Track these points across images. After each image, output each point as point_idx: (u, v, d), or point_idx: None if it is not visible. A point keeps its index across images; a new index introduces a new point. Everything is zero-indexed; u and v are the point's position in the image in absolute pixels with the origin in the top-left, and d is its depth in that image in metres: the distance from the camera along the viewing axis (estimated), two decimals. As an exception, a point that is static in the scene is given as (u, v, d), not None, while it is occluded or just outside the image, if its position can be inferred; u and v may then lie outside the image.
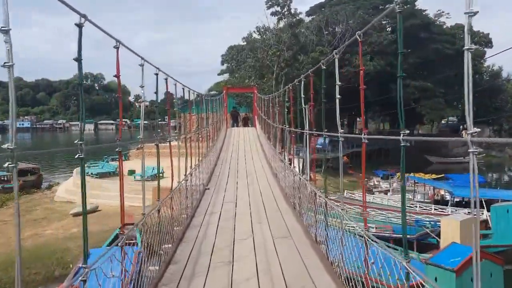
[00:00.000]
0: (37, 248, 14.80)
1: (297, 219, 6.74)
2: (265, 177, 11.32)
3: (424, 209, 17.51)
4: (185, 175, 6.93)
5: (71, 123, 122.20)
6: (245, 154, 16.27)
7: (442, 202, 20.61)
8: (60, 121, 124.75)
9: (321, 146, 29.98)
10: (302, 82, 6.83)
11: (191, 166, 7.69)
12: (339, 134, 4.54)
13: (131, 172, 24.80)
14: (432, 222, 14.26)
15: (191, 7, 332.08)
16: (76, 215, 19.79)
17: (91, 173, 24.65)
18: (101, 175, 24.56)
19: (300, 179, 7.11)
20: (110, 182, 23.32)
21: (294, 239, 5.66)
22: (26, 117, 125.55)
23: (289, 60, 27.64)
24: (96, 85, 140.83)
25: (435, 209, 17.07)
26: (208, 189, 9.52)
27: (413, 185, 22.15)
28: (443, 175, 34.96)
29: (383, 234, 13.28)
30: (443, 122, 64.83)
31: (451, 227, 11.10)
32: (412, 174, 32.94)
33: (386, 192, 24.12)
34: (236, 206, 7.87)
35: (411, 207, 17.58)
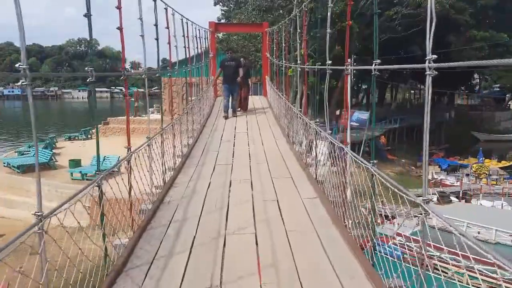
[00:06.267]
0: None
1: None
2: None
3: None
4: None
5: (63, 90, 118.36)
6: None
7: None
8: (52, 89, 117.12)
9: (357, 124, 21.26)
10: None
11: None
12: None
13: (74, 164, 16.36)
14: None
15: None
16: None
17: (12, 166, 16.33)
18: (27, 169, 16.12)
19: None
20: (34, 182, 14.89)
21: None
22: (16, 84, 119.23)
23: (317, -11, 18.57)
24: (90, 51, 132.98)
25: None
26: None
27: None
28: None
29: None
30: (484, 90, 55.07)
31: None
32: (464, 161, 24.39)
33: (467, 197, 15.28)
34: None
35: None
